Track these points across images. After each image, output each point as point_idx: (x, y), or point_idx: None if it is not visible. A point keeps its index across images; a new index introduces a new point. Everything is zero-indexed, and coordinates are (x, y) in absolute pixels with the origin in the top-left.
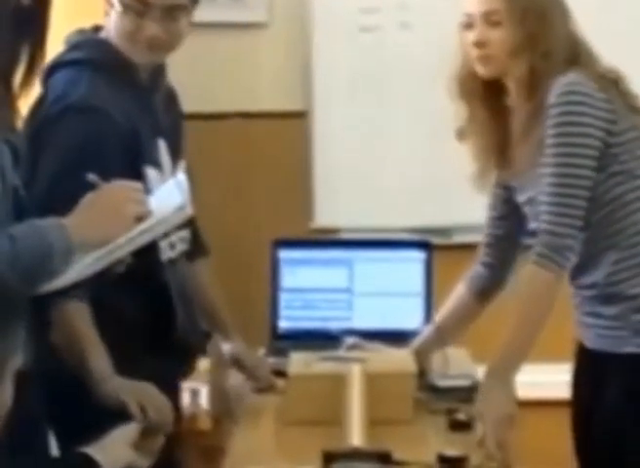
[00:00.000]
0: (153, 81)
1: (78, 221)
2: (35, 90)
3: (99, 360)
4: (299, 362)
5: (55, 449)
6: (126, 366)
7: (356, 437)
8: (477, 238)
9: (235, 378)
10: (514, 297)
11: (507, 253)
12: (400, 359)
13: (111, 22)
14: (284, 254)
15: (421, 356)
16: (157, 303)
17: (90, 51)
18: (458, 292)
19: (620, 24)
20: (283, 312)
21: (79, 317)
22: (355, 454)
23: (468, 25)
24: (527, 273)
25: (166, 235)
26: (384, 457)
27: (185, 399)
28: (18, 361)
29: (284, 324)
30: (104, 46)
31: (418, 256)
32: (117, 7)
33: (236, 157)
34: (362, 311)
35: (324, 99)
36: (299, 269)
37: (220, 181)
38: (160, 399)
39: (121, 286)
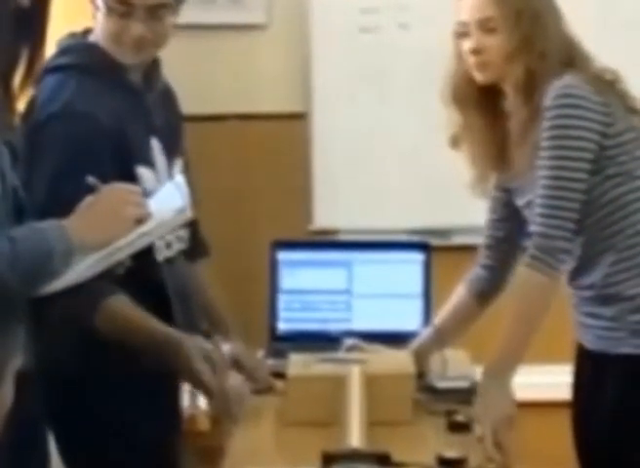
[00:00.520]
0: (146, 81)
1: (78, 223)
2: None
3: (165, 331)
4: (298, 363)
5: (54, 451)
6: (124, 365)
7: (355, 438)
8: (476, 239)
9: (235, 379)
10: (510, 298)
11: (507, 255)
12: (399, 360)
13: (97, 24)
14: (283, 256)
15: (420, 357)
16: (154, 302)
17: (77, 56)
18: (457, 294)
19: (621, 25)
20: (282, 313)
21: (127, 307)
22: (354, 455)
23: (463, 34)
24: (520, 275)
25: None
26: (384, 458)
27: (185, 400)
28: (18, 362)
29: (283, 325)
30: (92, 50)
31: (417, 258)
32: (102, 9)
33: (235, 158)
34: (361, 312)
35: (323, 101)
36: (298, 271)
37: (219, 183)
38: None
39: (118, 286)
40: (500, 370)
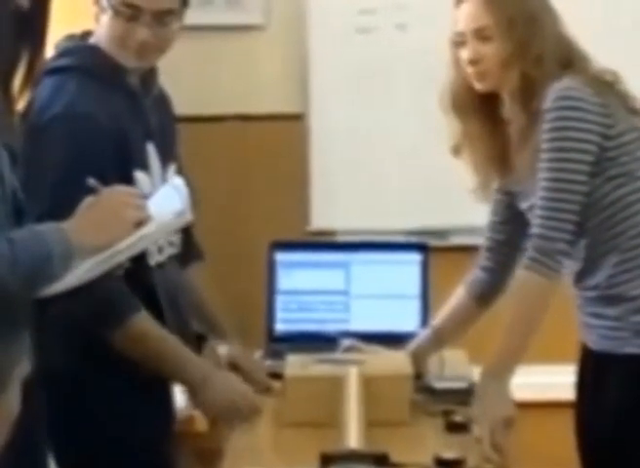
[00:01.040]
0: (144, 85)
1: (77, 226)
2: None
3: (188, 368)
4: (295, 364)
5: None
6: (116, 368)
7: (353, 439)
8: (474, 240)
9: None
10: (509, 300)
11: (508, 257)
12: (397, 361)
13: (102, 27)
14: (281, 257)
15: (418, 358)
16: (145, 306)
17: (78, 57)
18: (456, 296)
19: (623, 26)
20: (280, 314)
21: (150, 329)
22: (352, 456)
23: (460, 43)
24: (519, 277)
25: None
26: (381, 459)
27: (182, 401)
28: (25, 368)
29: (281, 326)
30: (93, 52)
31: (414, 259)
32: (108, 12)
33: (233, 159)
34: (359, 313)
35: (321, 102)
36: (295, 271)
37: (217, 184)
38: (246, 409)
39: None
40: (499, 372)
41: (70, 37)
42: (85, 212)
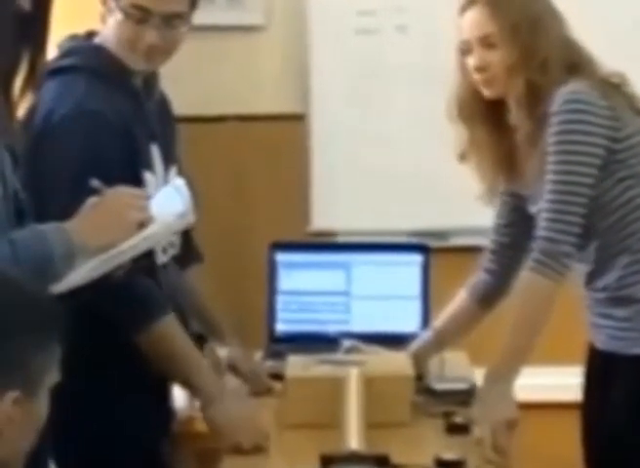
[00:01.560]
0: (147, 87)
1: (79, 226)
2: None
3: (206, 380)
4: (296, 365)
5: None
6: (116, 368)
7: (354, 440)
8: (475, 241)
9: (232, 382)
10: (513, 302)
11: (512, 260)
12: (398, 362)
13: (109, 29)
14: (281, 257)
15: (419, 360)
16: None
17: (83, 57)
18: (459, 298)
19: (628, 26)
20: (280, 315)
21: (176, 333)
22: (353, 457)
23: (467, 51)
24: (524, 279)
25: None
26: (382, 460)
27: (183, 401)
28: (54, 377)
29: (281, 327)
30: (100, 52)
31: (415, 260)
32: (117, 14)
33: (234, 160)
34: (360, 314)
35: (322, 102)
36: (296, 272)
37: (217, 184)
38: (254, 431)
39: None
40: (503, 373)
41: (73, 37)
42: (88, 212)
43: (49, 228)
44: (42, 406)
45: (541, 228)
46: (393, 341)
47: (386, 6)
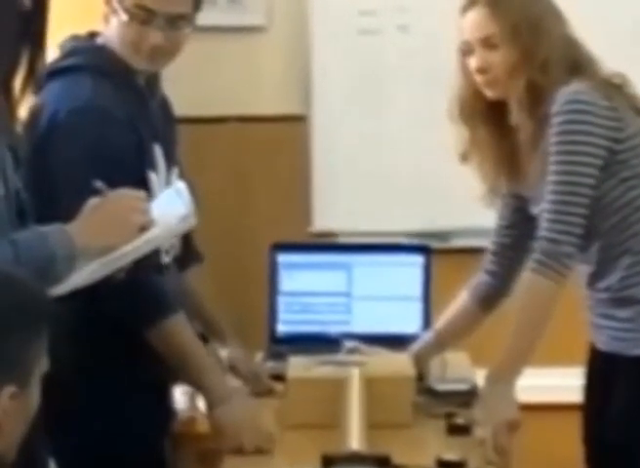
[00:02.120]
0: (150, 87)
1: (81, 228)
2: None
3: (214, 380)
4: (298, 366)
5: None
6: (116, 369)
7: (355, 441)
8: (476, 242)
9: (233, 383)
10: (515, 303)
11: (513, 262)
12: (399, 363)
13: (112, 29)
14: (282, 258)
15: (420, 361)
16: None
17: (87, 57)
18: (460, 299)
19: (629, 27)
20: (282, 316)
21: (186, 332)
22: (354, 458)
23: (468, 52)
24: (525, 280)
25: None
26: (383, 461)
27: (183, 402)
28: (44, 365)
29: (282, 328)
30: (103, 52)
31: (416, 261)
32: (121, 14)
33: (235, 161)
34: (361, 315)
35: (323, 103)
36: (297, 273)
37: (218, 185)
38: (257, 433)
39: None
40: (505, 374)
41: (75, 37)
42: (90, 214)
43: (51, 230)
44: (34, 396)
45: (543, 229)
46: (394, 342)
47: (388, 6)
